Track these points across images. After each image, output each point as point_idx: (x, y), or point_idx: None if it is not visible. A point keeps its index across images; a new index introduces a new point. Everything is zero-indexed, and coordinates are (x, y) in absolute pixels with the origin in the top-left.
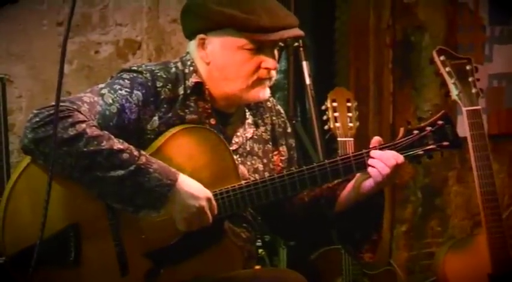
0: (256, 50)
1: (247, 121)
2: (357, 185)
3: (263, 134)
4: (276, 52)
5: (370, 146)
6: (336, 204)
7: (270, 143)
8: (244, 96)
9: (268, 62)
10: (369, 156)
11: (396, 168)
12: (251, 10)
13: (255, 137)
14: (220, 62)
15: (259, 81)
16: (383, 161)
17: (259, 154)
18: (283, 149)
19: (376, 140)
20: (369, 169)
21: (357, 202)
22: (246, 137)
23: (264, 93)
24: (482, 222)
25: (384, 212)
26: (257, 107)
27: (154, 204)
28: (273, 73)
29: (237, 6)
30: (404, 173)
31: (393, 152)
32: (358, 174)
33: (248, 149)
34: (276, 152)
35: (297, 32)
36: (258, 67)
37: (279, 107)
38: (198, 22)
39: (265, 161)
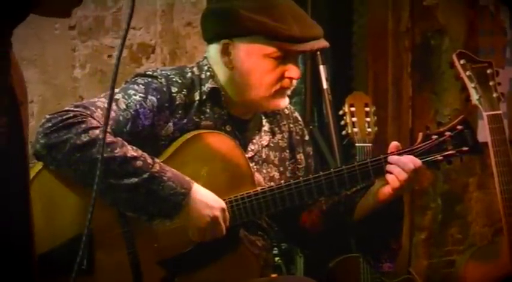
0: (281, 58)
1: (263, 128)
2: (374, 191)
3: (280, 141)
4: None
5: (388, 151)
6: (355, 212)
7: (287, 151)
8: (264, 104)
9: (293, 71)
10: (386, 162)
11: (414, 173)
12: (282, 18)
13: (271, 144)
14: (245, 68)
15: (281, 91)
16: (400, 166)
17: (275, 162)
18: (300, 157)
19: (394, 145)
20: (387, 175)
21: (375, 210)
22: (262, 144)
23: (284, 102)
24: (504, 229)
25: (404, 219)
26: (274, 114)
27: (168, 213)
28: (295, 82)
29: (267, 14)
30: (424, 179)
31: (411, 157)
32: (376, 181)
33: (264, 156)
34: (292, 160)
35: (325, 43)
36: (282, 76)
37: (296, 114)
38: (225, 27)
39: (281, 169)
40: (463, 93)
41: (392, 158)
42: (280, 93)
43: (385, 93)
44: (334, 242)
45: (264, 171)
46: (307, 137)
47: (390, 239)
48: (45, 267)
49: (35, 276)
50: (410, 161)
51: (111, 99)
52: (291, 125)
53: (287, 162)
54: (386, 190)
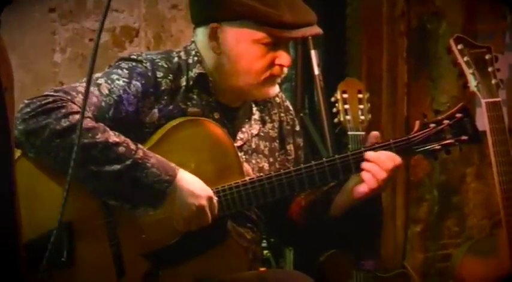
0: (272, 45)
1: (253, 117)
2: (349, 189)
3: (270, 131)
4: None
5: (368, 144)
6: (331, 208)
7: (277, 141)
8: (253, 92)
9: (283, 58)
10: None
11: (393, 171)
12: (273, 3)
13: (261, 134)
14: (233, 53)
15: (271, 78)
16: (379, 164)
17: (265, 152)
18: (290, 148)
19: (373, 135)
20: (363, 174)
21: (351, 207)
22: (252, 133)
23: (274, 90)
24: (503, 222)
25: (383, 216)
26: (265, 103)
27: (153, 201)
28: (285, 70)
29: None
30: (420, 169)
31: (390, 153)
32: (352, 176)
33: (253, 146)
34: (282, 151)
35: (318, 29)
36: (272, 63)
37: (288, 103)
38: (214, 10)
39: (271, 160)
40: (461, 80)
41: (369, 155)
42: (269, 80)
43: (380, 80)
44: (314, 240)
45: (253, 161)
46: (298, 128)
47: (370, 238)
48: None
49: (22, 268)
50: (389, 159)
51: (88, 85)
52: (282, 114)
53: (277, 153)
54: (362, 189)
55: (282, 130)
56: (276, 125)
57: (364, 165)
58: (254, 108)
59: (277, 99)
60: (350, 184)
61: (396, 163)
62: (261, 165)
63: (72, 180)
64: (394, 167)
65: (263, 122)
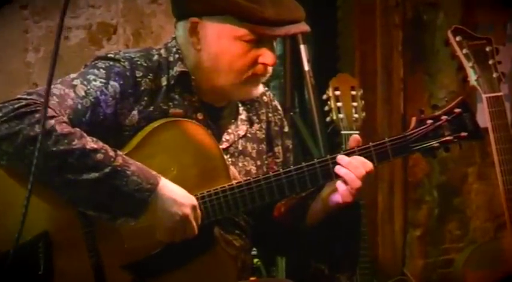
0: (255, 42)
1: (240, 117)
2: (324, 196)
3: (257, 132)
4: (274, 45)
5: (348, 147)
6: (307, 216)
7: (265, 143)
8: (234, 93)
9: (267, 57)
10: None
11: (366, 178)
12: None
13: (249, 135)
14: (213, 50)
15: (254, 78)
16: (352, 170)
17: (252, 155)
18: (278, 150)
19: (354, 139)
20: (338, 184)
21: (327, 214)
22: (238, 134)
23: (257, 90)
24: (507, 224)
25: (361, 224)
26: (252, 102)
27: (133, 211)
28: (270, 69)
29: None
30: (418, 170)
31: (361, 159)
32: (328, 184)
33: (240, 148)
34: (270, 154)
35: (304, 27)
36: (255, 62)
37: (276, 102)
38: (193, 3)
39: (258, 163)
40: (460, 74)
41: (342, 160)
42: (252, 80)
43: (374, 75)
44: (291, 250)
45: (240, 164)
46: (286, 129)
47: (347, 247)
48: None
49: None
50: (361, 165)
51: (48, 91)
52: (270, 115)
53: (264, 156)
54: (336, 199)
55: (270, 131)
56: (264, 125)
57: (339, 170)
58: (241, 108)
59: (265, 98)
60: (325, 192)
61: (368, 170)
62: (248, 169)
63: (47, 188)
64: (366, 173)
65: (250, 123)
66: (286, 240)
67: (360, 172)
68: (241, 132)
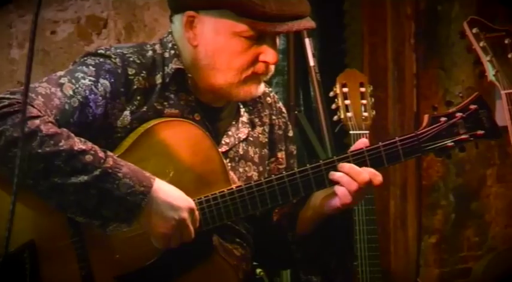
0: (256, 38)
1: (241, 119)
2: (316, 204)
3: (260, 135)
4: (277, 42)
5: (353, 148)
6: (297, 224)
7: (267, 148)
8: (233, 92)
9: (269, 54)
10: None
11: (369, 184)
12: None
13: (250, 139)
14: (211, 47)
15: (254, 77)
16: (353, 176)
17: (254, 160)
18: (281, 155)
19: (360, 143)
20: (336, 187)
21: (317, 223)
22: (239, 137)
23: (258, 89)
24: None
25: (353, 232)
26: (254, 103)
27: (126, 216)
28: (272, 68)
29: None
30: (433, 172)
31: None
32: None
33: (241, 152)
34: (273, 159)
35: (309, 23)
36: (255, 60)
37: (280, 104)
38: None
39: (260, 168)
40: (477, 68)
41: (343, 167)
42: (252, 79)
43: (384, 71)
44: (280, 261)
45: (241, 170)
46: (291, 133)
47: (340, 259)
48: None
49: None
50: (365, 170)
51: (26, 90)
52: (274, 117)
53: (267, 162)
54: (334, 204)
55: (273, 135)
56: (267, 128)
57: (339, 178)
58: (242, 110)
59: (269, 100)
60: (318, 199)
61: (373, 178)
62: (249, 174)
63: (33, 194)
64: (370, 179)
65: (252, 125)
66: (282, 251)
67: (363, 177)
68: (242, 136)
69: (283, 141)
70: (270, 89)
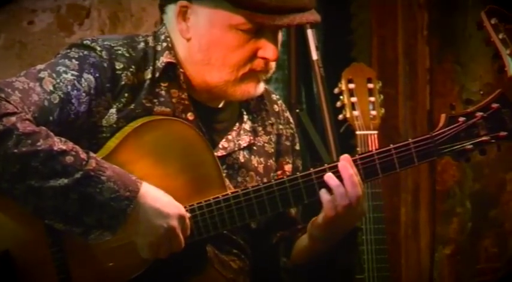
0: (254, 32)
1: (243, 125)
2: (311, 231)
3: (266, 145)
4: (279, 37)
5: (341, 159)
6: (293, 251)
7: (273, 159)
8: (229, 91)
9: (268, 50)
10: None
11: (360, 199)
12: None
13: (254, 147)
14: (205, 41)
15: (252, 75)
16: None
17: (258, 170)
18: (288, 168)
19: (345, 159)
20: (321, 192)
21: (311, 254)
22: (239, 144)
23: (256, 88)
24: None
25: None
26: (258, 111)
27: (109, 223)
28: (272, 65)
29: None
30: (448, 176)
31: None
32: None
33: (242, 160)
34: (279, 172)
35: (312, 16)
36: (253, 55)
37: (288, 114)
38: None
39: (265, 180)
40: (496, 63)
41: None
42: (250, 77)
43: (395, 65)
44: None
45: (239, 179)
46: (298, 147)
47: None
48: None
49: None
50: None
51: None
52: (281, 127)
53: (272, 174)
54: (319, 219)
55: (280, 146)
56: (273, 138)
57: (328, 180)
58: (245, 117)
59: (276, 108)
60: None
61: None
62: (250, 186)
63: (9, 198)
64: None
65: (255, 133)
66: (272, 275)
67: (356, 191)
68: (243, 143)
69: (291, 153)
70: (278, 97)
